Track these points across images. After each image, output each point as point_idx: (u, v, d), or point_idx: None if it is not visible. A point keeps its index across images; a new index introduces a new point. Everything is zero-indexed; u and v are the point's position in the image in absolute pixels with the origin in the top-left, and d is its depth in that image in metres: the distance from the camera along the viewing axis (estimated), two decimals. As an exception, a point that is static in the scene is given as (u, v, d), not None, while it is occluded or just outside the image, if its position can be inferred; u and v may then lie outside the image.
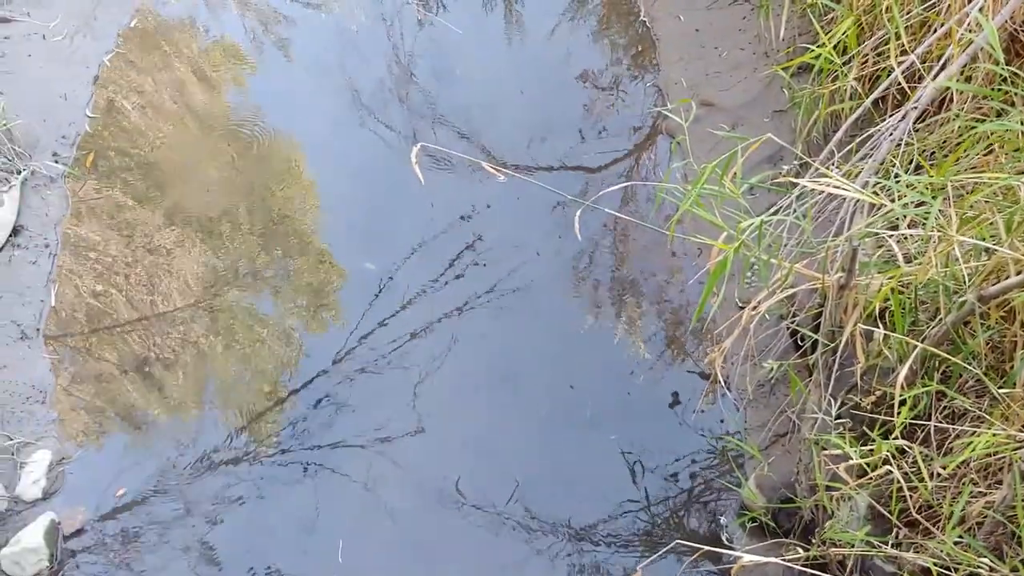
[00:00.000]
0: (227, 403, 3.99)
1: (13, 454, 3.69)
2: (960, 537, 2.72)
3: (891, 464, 2.76)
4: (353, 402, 3.99)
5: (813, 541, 3.23)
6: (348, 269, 4.40)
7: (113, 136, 4.73)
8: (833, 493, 3.06)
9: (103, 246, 4.35)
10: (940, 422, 2.92)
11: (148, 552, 3.59)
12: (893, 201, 2.77)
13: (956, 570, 2.65)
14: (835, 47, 3.82)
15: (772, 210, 3.12)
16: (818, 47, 3.84)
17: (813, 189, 2.81)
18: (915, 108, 3.18)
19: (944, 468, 2.81)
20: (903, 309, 2.90)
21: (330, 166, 4.72)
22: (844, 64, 3.89)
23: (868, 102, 3.55)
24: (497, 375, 4.05)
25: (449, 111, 4.89)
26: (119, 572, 3.54)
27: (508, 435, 3.89)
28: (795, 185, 3.19)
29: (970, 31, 3.21)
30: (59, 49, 4.99)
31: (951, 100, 3.54)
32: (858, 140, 3.50)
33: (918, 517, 2.88)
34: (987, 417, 2.77)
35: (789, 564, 2.95)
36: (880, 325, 2.92)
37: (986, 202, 2.78)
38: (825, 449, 3.02)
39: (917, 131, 3.49)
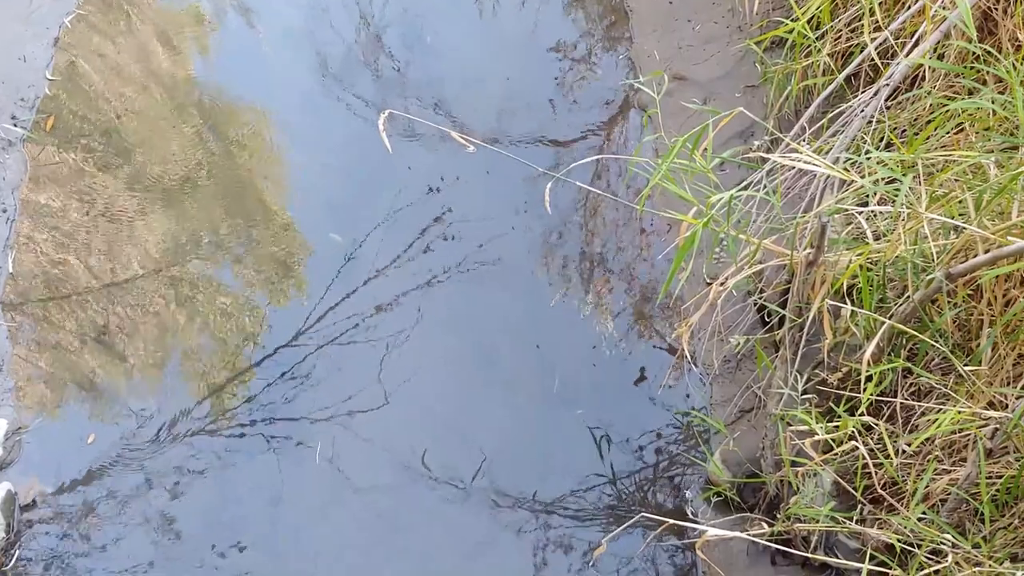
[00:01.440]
0: (189, 374, 3.97)
1: (-32, 423, 3.70)
2: (924, 514, 2.74)
3: (857, 440, 2.76)
4: (317, 375, 3.97)
5: (778, 516, 3.25)
6: (313, 240, 4.38)
7: (74, 100, 4.66)
8: (798, 469, 3.08)
9: (62, 212, 4.30)
10: (906, 399, 2.94)
11: (108, 524, 3.58)
12: (863, 177, 2.75)
13: (919, 546, 2.67)
14: (809, 22, 3.79)
15: (742, 185, 3.10)
16: (791, 21, 3.82)
17: (783, 164, 2.83)
18: (887, 85, 3.17)
19: (909, 445, 2.83)
20: (871, 286, 2.90)
21: (296, 134, 4.68)
22: (817, 39, 3.87)
23: (840, 78, 3.53)
24: (464, 349, 4.05)
25: (418, 80, 4.86)
26: (78, 544, 3.53)
27: (475, 409, 3.91)
28: (766, 160, 3.19)
29: (944, 8, 3.19)
30: (18, 9, 4.86)
31: (923, 78, 3.54)
32: (830, 116, 3.51)
33: (883, 493, 2.89)
34: (953, 395, 2.80)
35: (754, 539, 2.97)
36: (848, 302, 2.92)
37: (956, 180, 2.79)
38: (791, 425, 3.03)
39: (889, 108, 3.50)
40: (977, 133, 3.11)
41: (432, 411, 3.90)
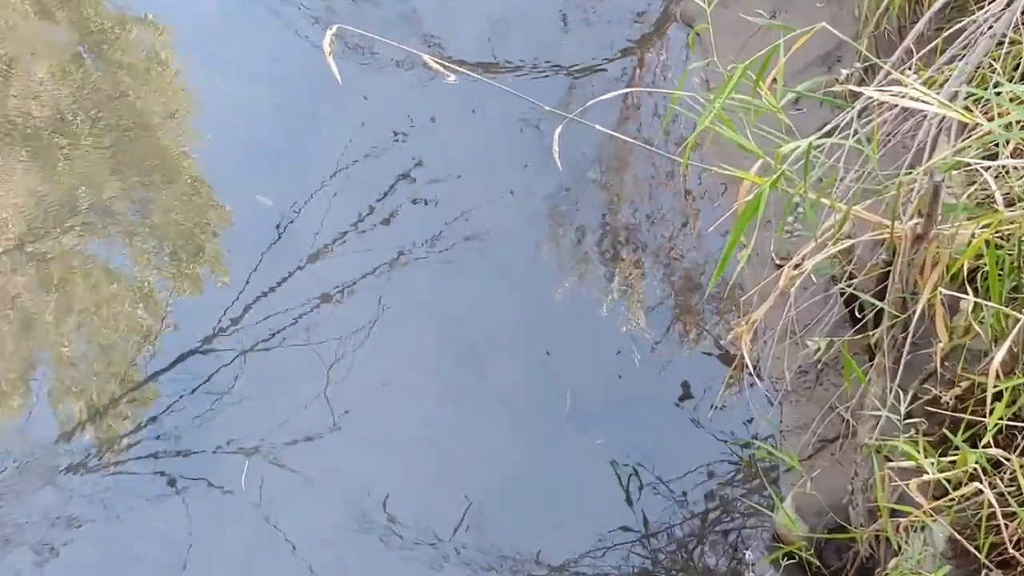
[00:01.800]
0: (61, 390, 3.98)
1: None
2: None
3: (981, 481, 2.72)
4: (240, 390, 4.02)
5: (873, 586, 3.30)
6: (234, 204, 4.42)
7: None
8: (900, 521, 3.06)
9: None
10: (1050, 425, 2.96)
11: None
12: (991, 120, 2.71)
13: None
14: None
15: (824, 130, 3.10)
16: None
17: (882, 102, 2.75)
18: (1027, -10, 3.09)
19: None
20: (1001, 270, 2.88)
21: (211, 59, 4.73)
22: (929, -76, 3.90)
23: (962, -20, 3.55)
24: (442, 355, 4.10)
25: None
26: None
27: (457, 437, 3.93)
28: (857, 96, 3.15)
29: None
30: None
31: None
32: (945, 35, 3.44)
33: (1017, 555, 2.85)
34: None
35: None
36: (969, 291, 2.87)
37: None
38: (890, 460, 3.03)
39: (1027, 24, 3.42)
40: None
41: (397, 439, 3.93)
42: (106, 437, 3.90)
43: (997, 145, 2.95)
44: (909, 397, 3.08)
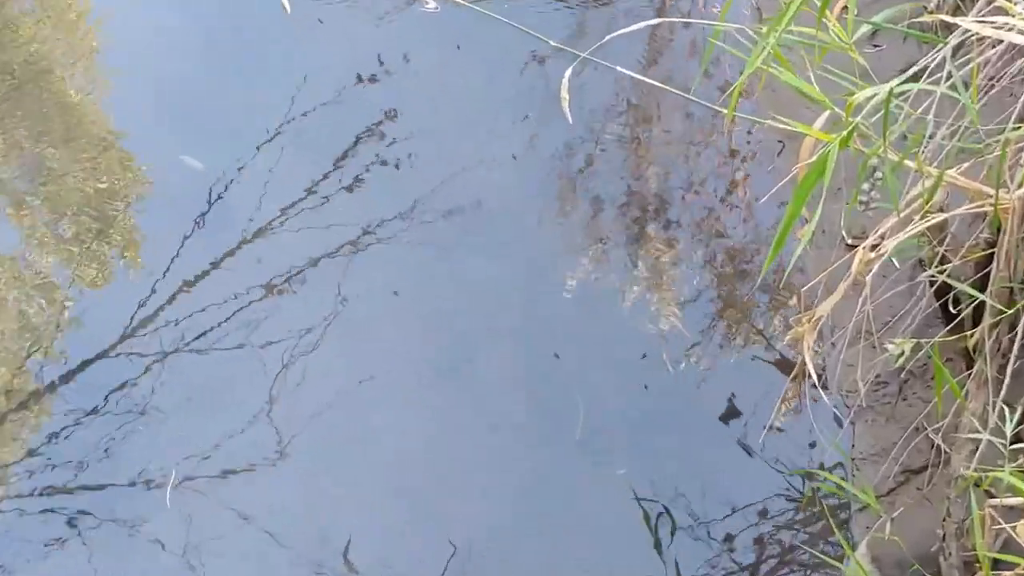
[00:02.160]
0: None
1: None
2: None
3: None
4: (161, 405, 4.02)
5: (970, 660, 3.29)
6: (153, 167, 4.47)
7: None
8: (1005, 574, 3.01)
9: None
10: None
11: None
12: None
13: None
14: None
15: (908, 73, 2.95)
16: None
17: (983, 36, 2.76)
18: None
19: None
20: None
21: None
22: None
23: None
24: (419, 361, 4.12)
25: None
26: None
27: (438, 467, 3.94)
28: (951, 29, 3.12)
29: None
30: None
31: None
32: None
33: None
34: None
35: None
36: (1099, 280, 2.94)
37: None
38: (993, 496, 3.02)
39: None
40: None
41: (361, 469, 3.95)
42: (-16, 467, 3.98)
43: None
44: (1018, 415, 3.04)
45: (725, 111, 3.15)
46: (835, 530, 3.70)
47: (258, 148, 4.50)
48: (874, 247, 3.10)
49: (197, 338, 4.15)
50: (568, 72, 3.14)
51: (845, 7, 2.81)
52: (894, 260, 3.44)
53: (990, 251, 3.23)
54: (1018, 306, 3.03)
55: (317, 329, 4.18)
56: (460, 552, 3.77)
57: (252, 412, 4.03)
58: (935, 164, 3.09)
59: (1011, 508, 2.99)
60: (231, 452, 3.96)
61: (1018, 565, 2.94)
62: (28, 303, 4.19)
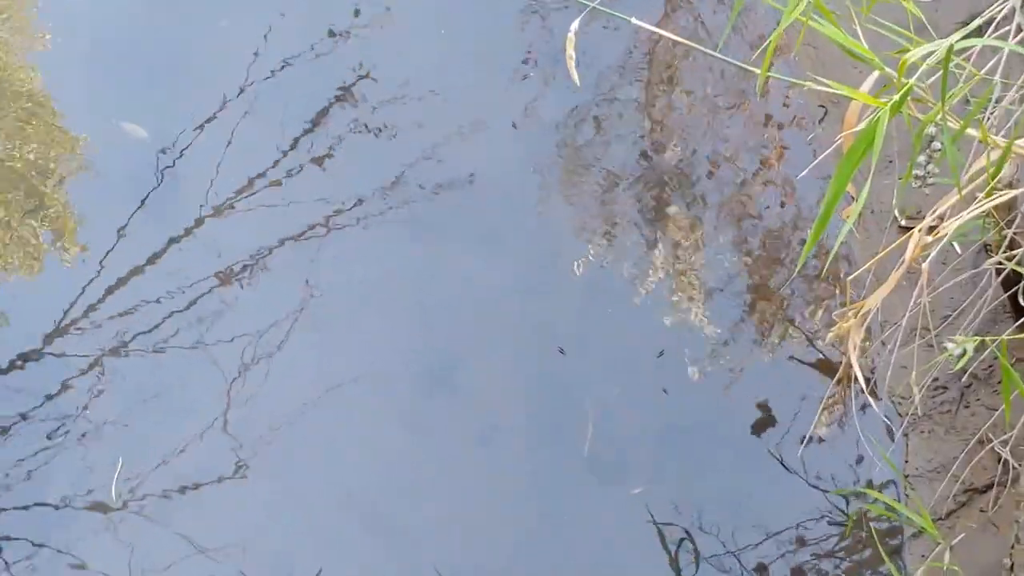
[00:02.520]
0: None
1: None
2: None
3: None
4: (98, 415, 3.92)
5: None
6: (90, 135, 4.38)
7: None
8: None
9: None
10: None
11: None
12: None
13: None
14: None
15: (972, 26, 2.85)
16: None
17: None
18: None
19: None
20: None
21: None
22: None
23: None
24: (399, 363, 4.03)
25: None
26: None
27: (421, 489, 3.86)
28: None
29: None
30: None
31: None
32: None
33: None
34: None
35: None
36: None
37: None
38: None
39: None
40: None
41: (330, 492, 3.85)
42: None
43: None
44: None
45: (758, 71, 2.95)
46: (886, 559, 3.68)
47: (213, 114, 4.40)
48: (931, 229, 3.00)
49: (141, 336, 4.04)
50: (574, 25, 2.98)
51: (897, -52, 2.80)
52: (955, 245, 3.40)
53: (1066, 235, 3.19)
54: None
55: (281, 326, 4.09)
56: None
57: (205, 423, 3.93)
58: (1002, 133, 3.07)
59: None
60: (180, 470, 3.87)
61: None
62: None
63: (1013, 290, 3.63)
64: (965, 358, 3.37)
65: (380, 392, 4.02)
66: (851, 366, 3.33)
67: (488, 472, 3.92)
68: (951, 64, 2.54)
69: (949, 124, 2.71)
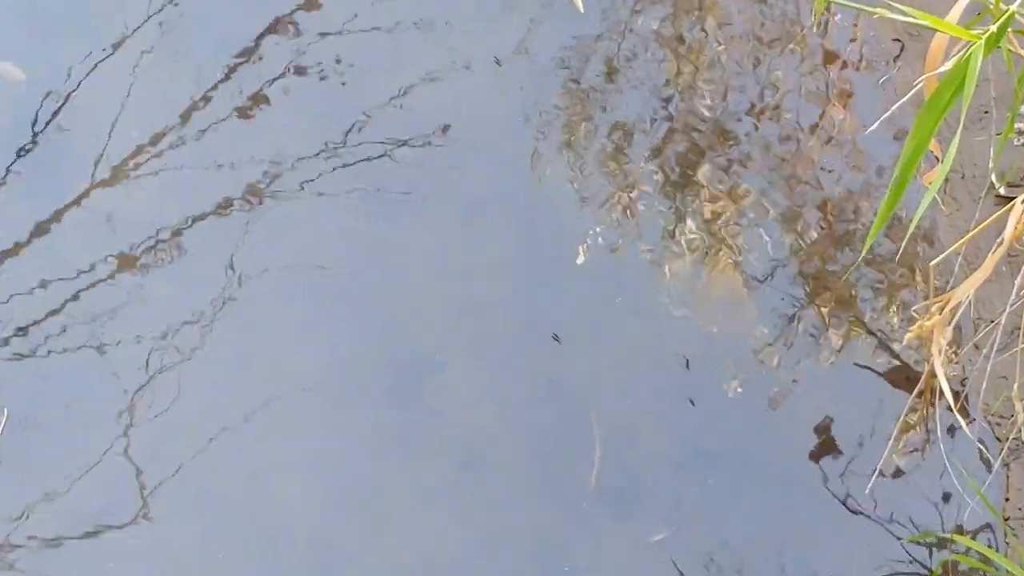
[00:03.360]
0: None
1: None
2: None
3: None
4: None
5: None
6: None
7: None
8: None
9: None
10: None
11: None
12: None
13: None
14: None
15: None
16: None
17: None
18: None
19: None
20: None
21: None
22: None
23: None
24: (355, 366, 3.87)
25: None
26: None
27: (386, 526, 3.67)
28: None
29: None
30: None
31: None
32: None
33: None
34: None
35: None
36: None
37: None
38: None
39: None
40: None
41: (263, 540, 3.60)
42: None
43: None
44: None
45: (815, -1, 2.85)
46: (981, 622, 3.54)
47: (110, 49, 4.24)
48: (1040, 201, 2.83)
49: (15, 338, 3.84)
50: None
51: None
52: (1070, 221, 3.14)
53: None
54: None
55: (199, 323, 3.87)
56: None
57: (99, 449, 3.66)
58: None
59: None
60: (66, 510, 3.60)
61: None
62: None
63: None
64: (1084, 368, 3.36)
65: (330, 405, 3.79)
66: (935, 376, 3.23)
67: (467, 508, 3.68)
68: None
69: (1063, 64, 2.66)
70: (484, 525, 3.67)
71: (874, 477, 3.60)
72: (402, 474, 3.71)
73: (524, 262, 4.04)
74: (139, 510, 3.59)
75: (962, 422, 3.50)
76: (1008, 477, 3.69)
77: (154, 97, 4.21)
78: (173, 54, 4.32)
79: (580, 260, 4.02)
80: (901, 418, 3.69)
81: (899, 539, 3.60)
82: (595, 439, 3.73)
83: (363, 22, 4.39)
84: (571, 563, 3.62)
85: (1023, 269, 3.31)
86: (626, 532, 3.63)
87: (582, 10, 3.62)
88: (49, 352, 3.82)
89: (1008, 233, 2.85)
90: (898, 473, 3.68)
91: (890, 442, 3.66)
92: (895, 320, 3.93)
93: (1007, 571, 3.47)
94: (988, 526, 3.61)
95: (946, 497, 3.65)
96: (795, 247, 4.09)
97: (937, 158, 2.93)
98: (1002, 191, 3.87)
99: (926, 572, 3.59)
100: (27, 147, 4.11)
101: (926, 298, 3.66)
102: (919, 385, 3.60)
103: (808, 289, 4.01)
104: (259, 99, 4.23)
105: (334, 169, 4.12)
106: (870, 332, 3.93)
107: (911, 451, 3.73)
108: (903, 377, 3.82)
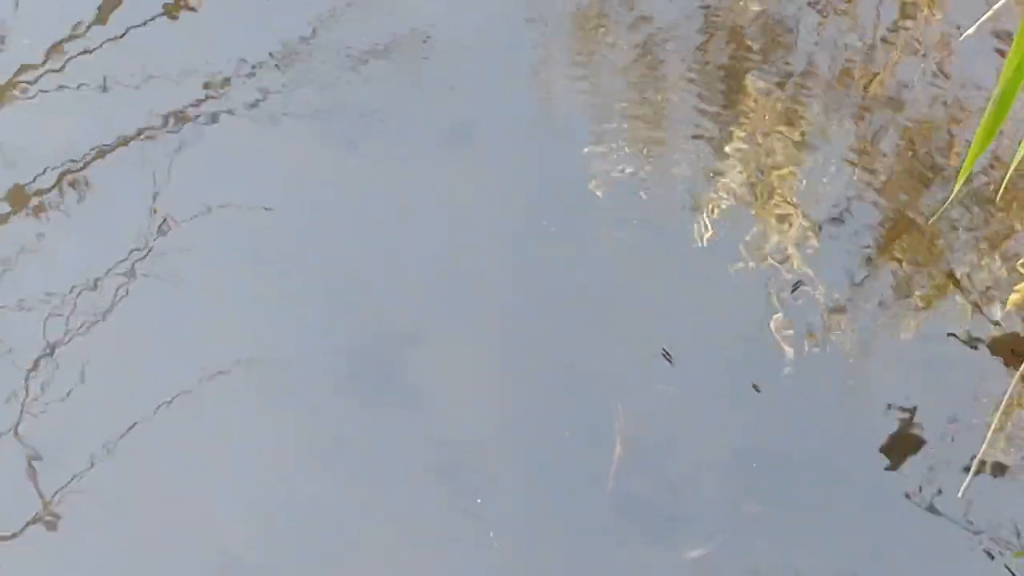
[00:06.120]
0: None
1: None
2: None
3: None
4: None
5: None
6: None
7: None
8: None
9: None
10: None
11: None
12: None
13: None
14: None
15: None
16: None
17: None
18: None
19: None
20: None
21: None
22: None
23: None
24: (317, 347, 3.59)
25: None
26: None
27: (358, 546, 3.37)
28: None
29: None
30: None
31: None
32: None
33: None
34: None
35: None
36: None
37: None
38: None
39: None
40: None
41: (196, 564, 3.32)
42: None
43: None
44: None
45: None
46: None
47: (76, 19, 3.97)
48: None
49: None
50: None
51: None
52: None
53: None
54: None
55: (113, 282, 3.55)
56: None
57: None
58: None
59: None
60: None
61: None
62: None
63: None
64: None
65: (271, 393, 3.46)
66: (1038, 360, 2.98)
67: (460, 519, 3.35)
68: None
69: None
70: (474, 541, 3.35)
71: (969, 477, 3.28)
72: (372, 479, 3.39)
73: (524, 204, 3.69)
74: (34, 520, 3.29)
75: (1080, 417, 3.37)
76: None
77: (88, 69, 3.84)
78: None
79: (597, 197, 3.66)
80: (1002, 405, 3.43)
81: (1000, 554, 3.32)
82: (614, 432, 3.43)
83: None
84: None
85: None
86: (652, 546, 3.32)
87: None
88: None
89: None
90: (999, 473, 3.38)
91: (989, 432, 3.35)
92: (992, 280, 3.64)
93: None
94: (1122, 545, 3.45)
95: (1061, 511, 3.37)
96: (865, 184, 3.80)
97: (1050, 88, 2.56)
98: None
99: (1028, 585, 3.42)
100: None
101: (1030, 258, 3.27)
102: (1020, 373, 3.45)
103: (883, 240, 3.72)
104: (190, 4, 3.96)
105: (284, 83, 3.81)
106: (962, 294, 3.64)
107: (1011, 449, 3.45)
108: (1003, 352, 3.55)
